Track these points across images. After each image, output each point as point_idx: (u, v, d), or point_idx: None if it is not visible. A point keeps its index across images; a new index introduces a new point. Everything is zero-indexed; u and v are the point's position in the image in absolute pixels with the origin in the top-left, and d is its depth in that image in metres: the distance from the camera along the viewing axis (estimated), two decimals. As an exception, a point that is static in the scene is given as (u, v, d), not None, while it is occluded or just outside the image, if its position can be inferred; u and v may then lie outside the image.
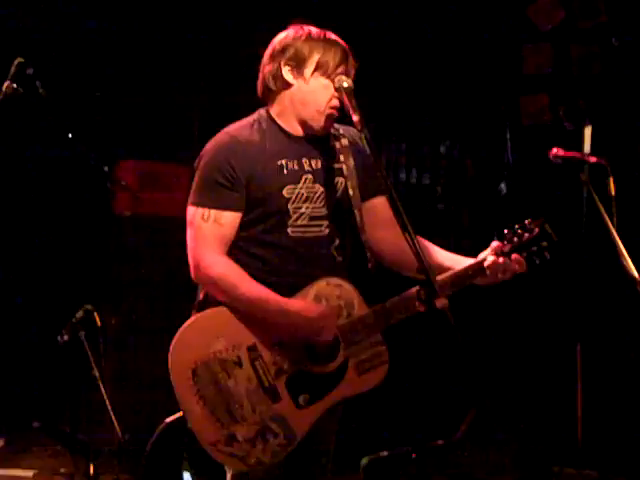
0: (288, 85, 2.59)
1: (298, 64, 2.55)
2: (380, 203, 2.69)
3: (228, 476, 2.60)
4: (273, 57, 2.59)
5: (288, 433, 2.50)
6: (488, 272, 2.52)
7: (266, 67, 2.61)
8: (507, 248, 2.54)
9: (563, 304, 5.12)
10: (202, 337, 2.50)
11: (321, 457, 2.72)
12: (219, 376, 2.48)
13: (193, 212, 2.57)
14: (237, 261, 2.55)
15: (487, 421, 4.32)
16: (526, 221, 2.57)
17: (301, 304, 2.51)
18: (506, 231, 2.56)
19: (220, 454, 2.48)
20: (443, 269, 2.57)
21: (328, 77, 2.54)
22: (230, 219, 2.55)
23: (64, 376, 5.10)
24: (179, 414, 2.54)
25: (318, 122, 2.59)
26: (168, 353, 2.49)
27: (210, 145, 2.61)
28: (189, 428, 2.50)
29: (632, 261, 2.65)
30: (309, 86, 2.56)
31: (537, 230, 2.54)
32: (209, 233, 2.54)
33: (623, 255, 2.65)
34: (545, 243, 2.53)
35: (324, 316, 2.50)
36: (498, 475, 4.22)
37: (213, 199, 2.55)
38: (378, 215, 2.68)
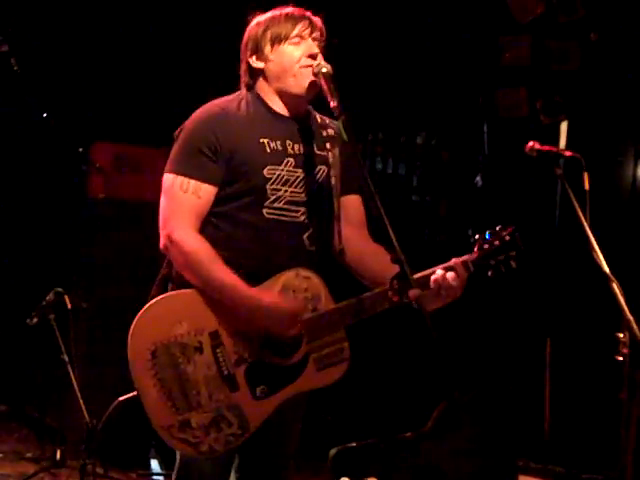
0: (260, 71, 2.62)
1: (259, 49, 2.61)
2: (353, 201, 2.70)
3: (177, 459, 2.59)
4: (242, 57, 2.67)
5: (242, 423, 2.47)
6: (432, 285, 2.47)
7: (241, 69, 2.68)
8: (475, 255, 2.53)
9: (534, 298, 5.14)
10: (164, 319, 2.45)
11: (284, 453, 2.70)
12: (179, 360, 2.43)
13: (172, 180, 2.52)
14: (205, 236, 2.51)
15: (455, 414, 4.34)
16: (497, 228, 2.57)
17: (271, 298, 2.48)
18: (477, 236, 2.56)
19: (172, 439, 2.44)
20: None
21: (287, 43, 2.57)
22: (208, 193, 2.51)
23: (33, 360, 5.06)
24: (133, 393, 2.49)
25: (297, 87, 2.57)
26: (128, 332, 2.44)
27: (198, 114, 2.58)
28: (142, 409, 2.45)
29: (604, 256, 2.66)
30: (274, 60, 2.59)
31: (508, 238, 2.54)
32: (186, 205, 2.50)
33: (595, 250, 2.65)
34: (514, 252, 2.54)
35: (293, 312, 2.48)
36: (465, 468, 4.24)
37: (195, 169, 2.50)
38: (349, 213, 2.66)
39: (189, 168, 2.51)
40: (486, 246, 2.54)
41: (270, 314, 2.45)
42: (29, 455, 4.65)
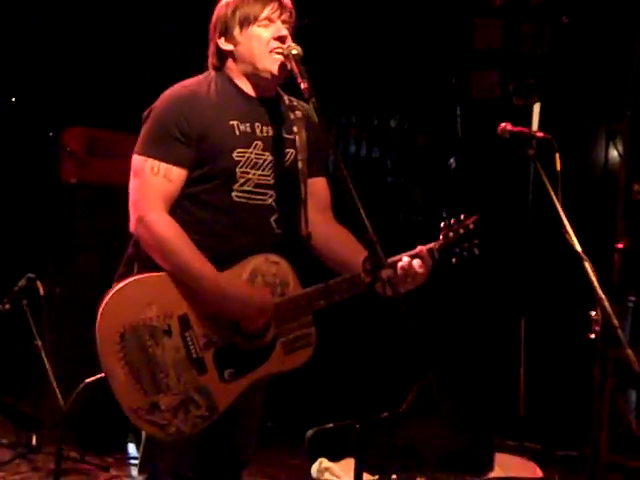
0: (229, 53, 2.61)
1: (228, 31, 2.59)
2: (318, 183, 2.70)
3: (142, 438, 2.59)
4: (210, 38, 2.65)
5: (210, 405, 2.49)
6: (399, 272, 2.48)
7: (209, 50, 2.66)
8: (440, 243, 2.56)
9: (508, 278, 5.18)
10: (134, 302, 2.45)
11: (248, 429, 2.72)
12: (147, 343, 2.44)
13: (142, 163, 2.51)
14: (175, 219, 2.51)
15: (431, 393, 4.37)
16: (461, 216, 2.60)
17: (240, 288, 2.49)
18: (442, 224, 2.59)
19: (141, 421, 2.45)
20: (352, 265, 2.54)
21: (256, 25, 2.56)
22: (179, 176, 2.51)
23: (6, 346, 5.03)
24: (100, 375, 2.50)
25: (266, 71, 2.56)
26: (97, 314, 2.44)
27: (166, 96, 2.56)
28: (110, 391, 2.46)
29: (576, 236, 2.68)
30: (242, 43, 2.58)
31: (472, 227, 2.57)
32: (157, 188, 2.49)
33: (567, 230, 2.68)
34: (477, 240, 2.57)
35: (260, 304, 2.48)
36: (441, 447, 4.27)
37: (165, 152, 2.49)
38: (314, 195, 2.66)
39: (159, 151, 2.50)
40: (451, 234, 2.57)
41: (237, 305, 2.46)
42: (4, 441, 4.62)
